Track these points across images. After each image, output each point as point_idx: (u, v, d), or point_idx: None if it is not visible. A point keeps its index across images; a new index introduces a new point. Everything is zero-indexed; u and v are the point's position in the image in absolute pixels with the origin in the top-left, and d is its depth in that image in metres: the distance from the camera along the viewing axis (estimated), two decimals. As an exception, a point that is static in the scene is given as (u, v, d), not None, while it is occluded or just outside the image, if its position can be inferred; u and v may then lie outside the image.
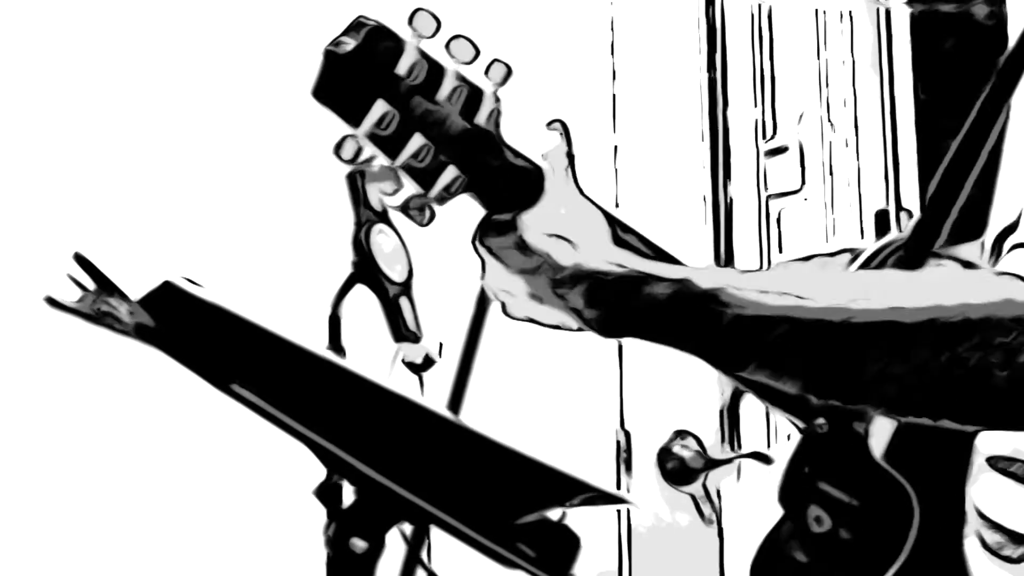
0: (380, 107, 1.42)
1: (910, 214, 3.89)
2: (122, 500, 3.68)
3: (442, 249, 3.14)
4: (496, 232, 1.48)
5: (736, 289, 1.41)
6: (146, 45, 3.81)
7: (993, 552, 1.52)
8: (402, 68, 1.43)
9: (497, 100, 1.46)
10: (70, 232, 3.52)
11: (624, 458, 4.12)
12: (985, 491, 1.56)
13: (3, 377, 3.63)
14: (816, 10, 4.10)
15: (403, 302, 2.64)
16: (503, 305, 1.52)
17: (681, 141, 4.30)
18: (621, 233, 1.55)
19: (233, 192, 3.80)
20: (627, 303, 1.43)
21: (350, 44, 1.43)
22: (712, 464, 2.54)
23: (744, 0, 4.24)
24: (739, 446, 3.90)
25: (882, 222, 3.91)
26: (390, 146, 1.44)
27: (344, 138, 1.46)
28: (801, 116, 4.13)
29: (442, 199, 1.45)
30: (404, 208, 1.45)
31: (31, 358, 3.61)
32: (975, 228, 1.55)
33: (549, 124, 1.51)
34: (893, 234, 1.73)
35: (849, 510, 1.58)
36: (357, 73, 1.43)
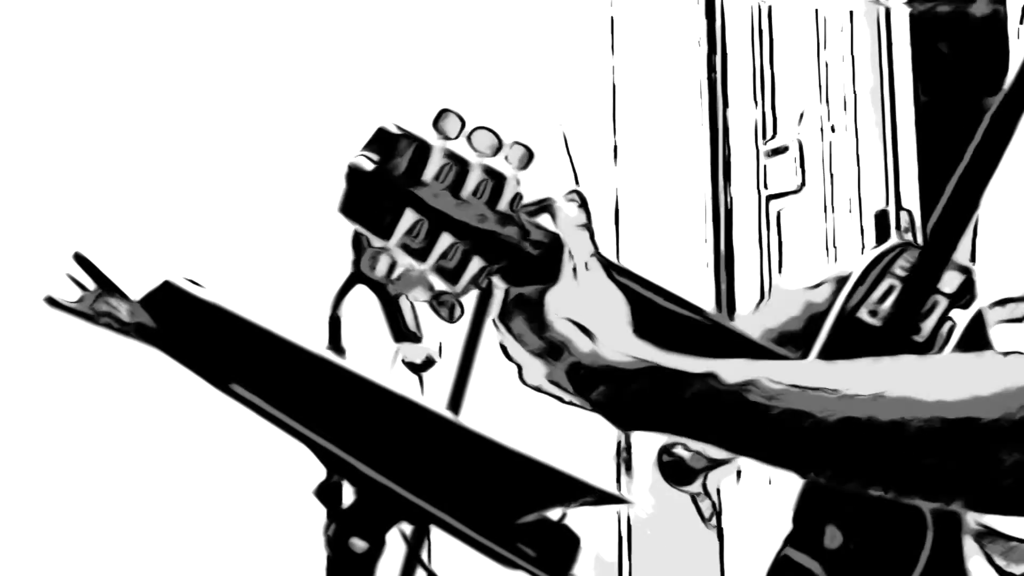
0: (410, 217, 1.40)
1: (910, 214, 3.89)
2: (122, 500, 3.68)
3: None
4: (518, 309, 1.45)
5: (768, 382, 1.38)
6: (146, 45, 3.81)
7: (999, 569, 1.52)
8: (429, 174, 1.40)
9: (518, 182, 1.43)
10: (70, 232, 3.52)
11: (624, 458, 4.11)
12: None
13: (3, 377, 3.63)
14: (816, 10, 4.10)
15: (403, 302, 2.64)
16: (519, 370, 1.49)
17: (681, 141, 4.30)
18: (640, 289, 1.48)
19: (233, 192, 3.81)
20: (648, 402, 1.40)
21: (374, 159, 1.40)
22: (712, 464, 2.54)
23: (744, 0, 4.24)
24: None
25: (882, 222, 3.91)
26: (419, 252, 1.41)
27: (376, 253, 1.42)
28: (801, 116, 4.13)
29: (467, 290, 1.43)
30: (433, 305, 1.43)
31: (31, 358, 3.61)
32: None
33: (567, 194, 1.48)
34: (883, 246, 1.72)
35: (862, 526, 1.58)
36: (384, 188, 1.41)
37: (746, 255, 4.23)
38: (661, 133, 4.28)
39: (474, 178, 1.41)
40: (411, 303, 2.65)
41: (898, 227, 3.88)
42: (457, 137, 1.41)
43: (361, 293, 2.66)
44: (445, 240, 1.40)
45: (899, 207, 3.88)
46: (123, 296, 1.47)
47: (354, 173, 1.42)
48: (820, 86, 4.08)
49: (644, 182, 4.26)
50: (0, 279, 3.58)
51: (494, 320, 1.48)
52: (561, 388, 1.46)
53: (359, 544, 1.48)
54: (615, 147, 4.26)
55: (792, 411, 1.37)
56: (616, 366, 1.41)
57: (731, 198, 4.28)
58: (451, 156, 1.41)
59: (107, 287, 1.47)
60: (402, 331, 2.64)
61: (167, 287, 1.47)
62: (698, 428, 1.41)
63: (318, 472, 1.57)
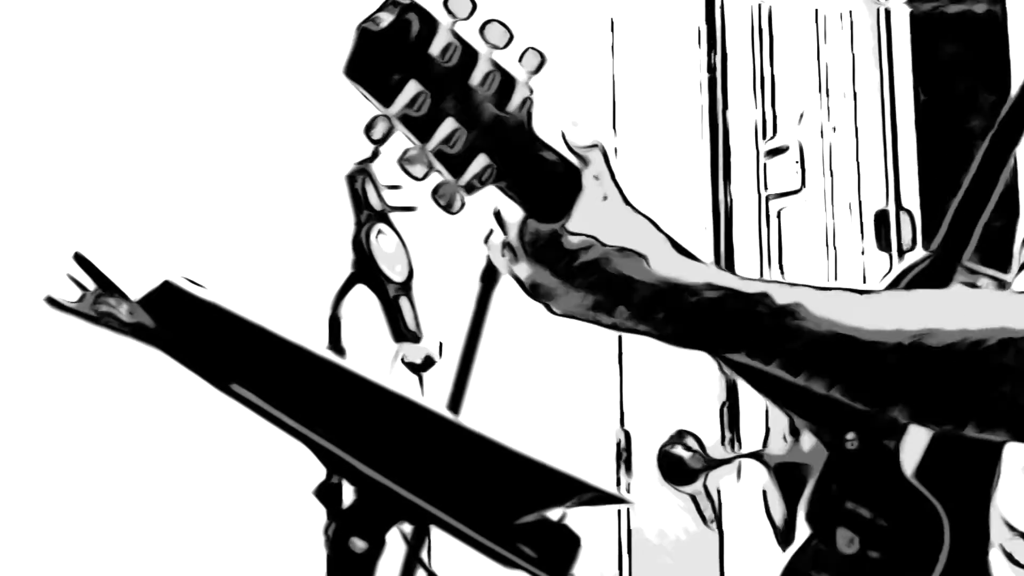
0: (413, 87, 1.38)
1: (910, 214, 3.89)
2: (122, 500, 3.68)
3: (442, 249, 3.14)
4: (541, 240, 1.43)
5: (813, 306, 1.42)
6: (146, 45, 3.81)
7: (1018, 564, 1.52)
8: (436, 49, 1.38)
9: (530, 90, 1.42)
10: (70, 232, 3.52)
11: (624, 458, 4.12)
12: (1011, 501, 1.56)
13: (3, 377, 3.63)
14: (816, 10, 4.10)
15: (403, 302, 2.64)
16: (548, 306, 1.48)
17: (681, 142, 4.30)
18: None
19: (233, 192, 3.81)
20: (710, 318, 1.42)
21: (385, 21, 1.37)
22: (712, 464, 2.54)
23: (744, 0, 4.24)
24: (739, 446, 3.90)
25: (882, 222, 3.91)
26: (421, 129, 1.38)
27: (376, 118, 1.39)
28: (801, 116, 4.13)
29: (471, 188, 1.39)
30: (433, 195, 1.41)
31: (31, 358, 3.61)
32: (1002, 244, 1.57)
33: (571, 120, 1.48)
34: (915, 254, 1.73)
35: (878, 530, 1.57)
36: (391, 51, 1.38)
37: (746, 255, 4.23)
38: (661, 133, 4.28)
39: (483, 67, 1.39)
40: (411, 303, 2.64)
41: (899, 230, 3.88)
42: (467, 18, 1.38)
43: (361, 293, 2.65)
44: (449, 124, 1.38)
45: (899, 207, 3.88)
46: (123, 296, 1.47)
47: (363, 34, 1.39)
48: (820, 86, 4.08)
49: (644, 183, 4.26)
50: (0, 279, 3.58)
51: (510, 249, 1.46)
52: (603, 312, 1.44)
53: (359, 544, 1.48)
54: (615, 148, 4.26)
55: (838, 335, 1.41)
56: (679, 283, 1.42)
57: (731, 198, 4.28)
58: (459, 39, 1.39)
59: (107, 287, 1.47)
60: (402, 331, 2.63)
61: (167, 287, 1.47)
62: (752, 344, 1.44)
63: (318, 472, 1.57)
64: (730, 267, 4.25)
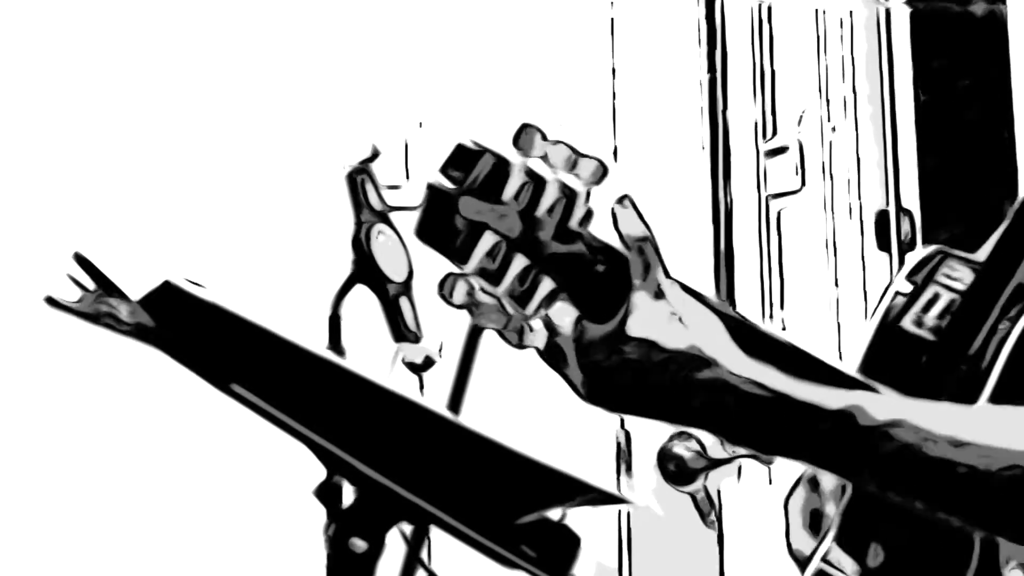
0: (489, 239, 1.32)
1: (910, 214, 3.89)
2: (122, 500, 3.68)
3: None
4: (599, 340, 1.35)
5: (918, 423, 1.32)
6: (146, 45, 3.81)
7: None
8: (509, 193, 1.32)
9: (588, 199, 1.33)
10: (70, 232, 3.52)
11: (624, 458, 4.11)
12: None
13: (3, 377, 3.63)
14: (816, 10, 4.10)
15: (403, 302, 2.64)
16: (593, 394, 1.39)
17: (681, 142, 4.30)
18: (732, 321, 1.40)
19: (233, 192, 3.81)
20: (779, 432, 1.32)
21: (455, 176, 1.31)
22: (712, 464, 2.54)
23: (744, 0, 4.24)
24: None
25: (882, 222, 3.91)
26: (494, 276, 1.32)
27: (455, 281, 1.33)
28: (801, 116, 4.13)
29: (537, 314, 1.33)
30: (502, 333, 1.36)
31: (31, 358, 3.61)
32: None
33: (620, 200, 1.40)
34: (924, 252, 1.67)
35: (907, 546, 1.55)
36: (463, 208, 1.31)
37: (746, 255, 4.23)
38: (661, 133, 4.28)
39: (550, 195, 1.32)
40: (411, 303, 2.64)
41: (899, 230, 3.87)
42: (539, 156, 1.32)
43: (361, 293, 2.65)
44: (520, 262, 1.32)
45: (899, 207, 3.88)
46: (123, 296, 1.47)
47: (434, 193, 1.33)
48: (820, 86, 4.08)
49: (644, 182, 4.26)
50: (0, 279, 3.58)
51: (555, 352, 1.38)
52: (666, 419, 1.37)
53: (359, 544, 1.48)
54: (615, 148, 4.26)
55: (944, 459, 1.31)
56: (744, 390, 1.32)
57: (731, 198, 4.28)
58: (530, 174, 1.33)
59: (107, 287, 1.47)
60: (402, 331, 2.63)
61: (167, 287, 1.47)
62: (837, 463, 1.35)
63: (318, 472, 1.57)
64: (730, 267, 4.25)
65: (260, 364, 1.50)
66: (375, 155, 2.64)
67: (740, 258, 4.24)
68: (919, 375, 1.52)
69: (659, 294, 1.34)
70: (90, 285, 1.47)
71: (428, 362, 2.69)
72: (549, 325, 1.38)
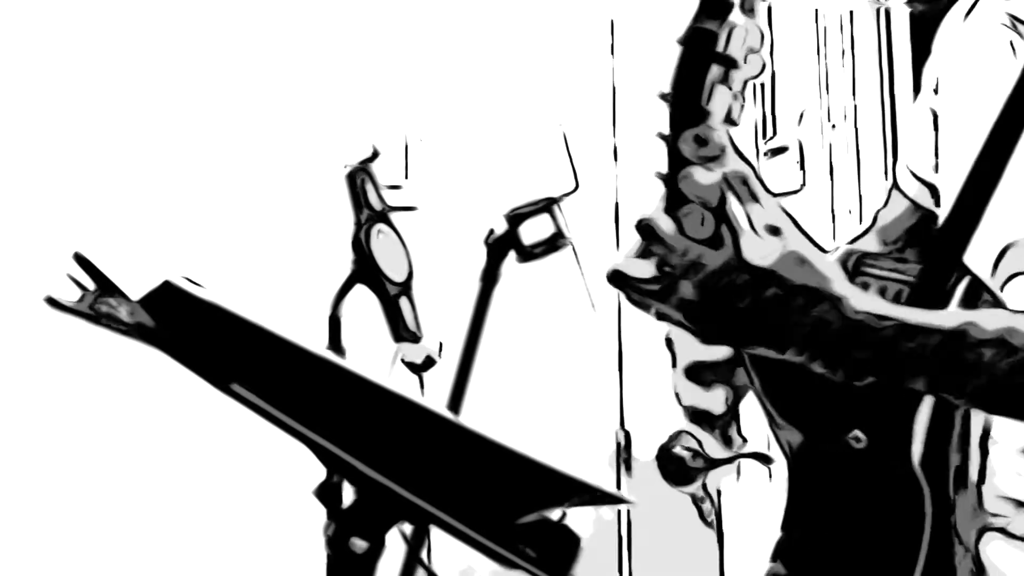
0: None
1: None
2: (122, 500, 3.68)
3: (442, 249, 3.14)
4: (709, 268, 1.45)
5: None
6: (146, 45, 3.81)
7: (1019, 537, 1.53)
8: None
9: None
10: (70, 232, 3.52)
11: (624, 458, 4.12)
12: (1005, 481, 1.56)
13: (3, 377, 3.63)
14: (816, 10, 4.09)
15: (403, 302, 2.64)
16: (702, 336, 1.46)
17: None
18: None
19: (233, 192, 3.81)
20: (896, 352, 1.40)
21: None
22: (712, 464, 2.53)
23: (744, 0, 4.24)
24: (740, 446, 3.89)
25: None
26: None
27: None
28: (801, 116, 4.13)
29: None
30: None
31: (31, 358, 3.61)
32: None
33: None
34: (835, 253, 1.73)
35: (858, 530, 1.57)
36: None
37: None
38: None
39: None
40: (411, 303, 2.65)
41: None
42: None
43: (361, 293, 2.65)
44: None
45: (899, 207, 3.88)
46: (123, 296, 1.47)
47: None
48: (820, 86, 4.08)
49: (644, 182, 4.26)
50: (0, 279, 3.58)
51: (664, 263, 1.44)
52: (776, 350, 1.43)
53: (359, 544, 1.48)
54: (615, 148, 4.26)
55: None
56: (866, 324, 1.40)
57: (731, 198, 4.28)
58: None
59: (107, 287, 1.47)
60: (402, 331, 2.63)
61: (167, 287, 1.47)
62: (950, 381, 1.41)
63: (318, 472, 1.57)
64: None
65: (260, 364, 1.50)
66: (375, 155, 2.64)
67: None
68: None
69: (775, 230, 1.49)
70: (90, 285, 1.47)
71: (428, 362, 2.69)
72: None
